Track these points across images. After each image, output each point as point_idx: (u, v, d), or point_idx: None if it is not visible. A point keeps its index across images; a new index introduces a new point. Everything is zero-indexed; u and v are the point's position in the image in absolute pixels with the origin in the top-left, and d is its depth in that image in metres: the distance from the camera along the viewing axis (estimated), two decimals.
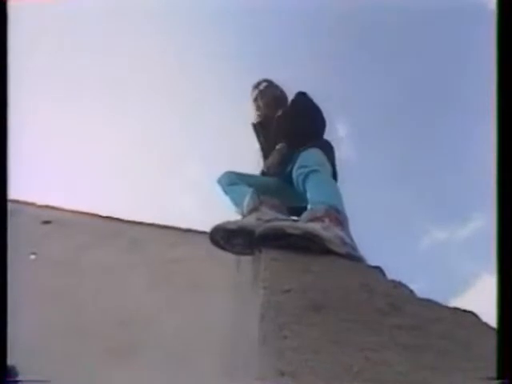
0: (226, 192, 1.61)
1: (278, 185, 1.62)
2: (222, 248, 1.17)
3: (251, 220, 1.16)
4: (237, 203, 1.54)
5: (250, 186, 1.55)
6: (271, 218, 1.15)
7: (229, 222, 1.15)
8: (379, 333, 0.57)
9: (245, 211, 1.31)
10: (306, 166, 1.40)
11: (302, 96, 1.79)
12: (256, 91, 1.91)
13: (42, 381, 1.06)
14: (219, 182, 1.65)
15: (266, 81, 1.93)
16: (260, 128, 1.87)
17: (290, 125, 1.71)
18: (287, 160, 1.59)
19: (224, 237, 1.13)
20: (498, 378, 0.50)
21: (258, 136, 1.87)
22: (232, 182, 1.61)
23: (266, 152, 1.79)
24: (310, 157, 1.49)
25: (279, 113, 1.80)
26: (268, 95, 1.88)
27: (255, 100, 1.90)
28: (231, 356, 1.25)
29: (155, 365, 1.46)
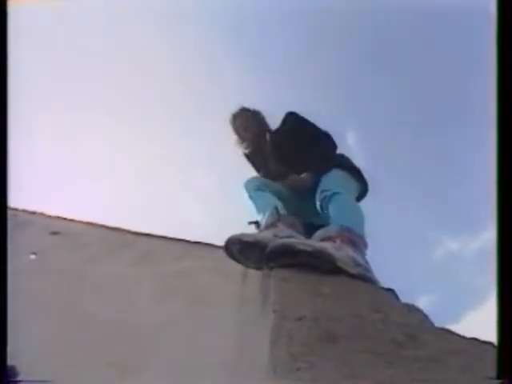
0: (251, 197, 1.62)
1: (299, 199, 1.63)
2: (236, 259, 1.15)
3: (268, 235, 1.15)
4: (260, 210, 1.54)
5: (275, 194, 1.56)
6: (287, 235, 1.14)
7: (245, 235, 1.13)
8: (395, 365, 0.55)
9: (262, 225, 1.30)
10: (328, 190, 1.42)
11: (292, 115, 1.79)
12: (235, 122, 1.91)
13: (42, 381, 1.06)
14: (246, 186, 1.67)
15: (242, 109, 1.93)
16: (253, 156, 1.89)
17: (287, 145, 1.73)
18: (312, 185, 1.59)
19: (239, 248, 1.11)
20: (497, 378, 0.49)
21: (254, 164, 1.89)
22: (258, 187, 1.63)
23: (266, 175, 1.79)
24: (331, 179, 1.52)
25: (268, 136, 1.82)
26: (248, 121, 1.88)
27: (237, 131, 1.90)
28: (239, 374, 1.22)
29: (159, 378, 1.44)
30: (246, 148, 1.90)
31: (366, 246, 1.08)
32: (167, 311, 1.62)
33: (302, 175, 1.68)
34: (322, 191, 1.44)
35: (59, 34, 4.46)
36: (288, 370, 0.53)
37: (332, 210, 1.32)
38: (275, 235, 1.14)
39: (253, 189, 1.61)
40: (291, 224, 1.26)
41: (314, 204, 1.47)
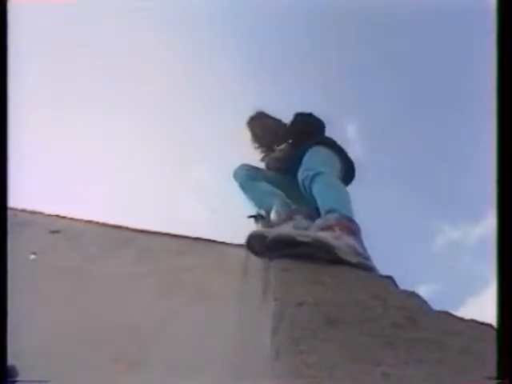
0: (243, 188, 1.58)
1: (288, 184, 1.59)
2: (258, 255, 1.12)
3: (289, 228, 1.13)
4: (258, 203, 1.51)
5: (270, 182, 1.53)
6: (306, 227, 1.12)
7: (267, 231, 1.11)
8: (396, 347, 0.56)
9: (275, 218, 1.29)
10: (310, 169, 1.39)
11: (300, 114, 1.79)
12: (252, 124, 1.89)
13: (42, 381, 1.06)
14: (235, 176, 1.62)
15: (259, 113, 1.93)
16: (271, 161, 1.83)
17: (290, 131, 1.73)
18: (291, 157, 1.58)
19: (261, 244, 1.07)
20: (497, 378, 0.49)
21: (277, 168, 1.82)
22: (250, 177, 1.59)
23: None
24: (314, 157, 1.48)
25: (280, 134, 1.81)
26: (265, 125, 1.87)
27: (254, 133, 1.88)
28: (242, 367, 1.23)
29: (162, 375, 1.45)
30: (260, 150, 1.88)
31: (359, 229, 1.07)
32: (169, 307, 1.62)
33: (280, 147, 1.66)
34: (305, 170, 1.40)
35: (59, 34, 4.46)
36: (291, 354, 0.54)
37: (316, 190, 1.29)
38: (296, 228, 1.12)
39: (245, 179, 1.57)
40: (308, 215, 1.24)
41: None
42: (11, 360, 0.78)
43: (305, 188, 1.38)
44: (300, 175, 1.42)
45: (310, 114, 1.73)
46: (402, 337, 0.58)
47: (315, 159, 1.47)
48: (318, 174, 1.34)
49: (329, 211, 1.13)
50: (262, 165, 1.86)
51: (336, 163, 1.52)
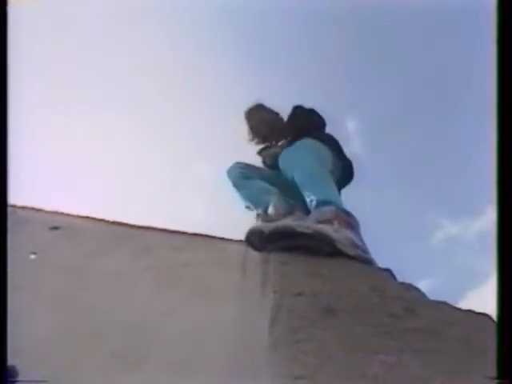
0: (237, 186, 1.56)
1: (283, 181, 1.54)
2: (258, 250, 1.11)
3: (289, 221, 1.11)
4: (253, 201, 1.49)
5: (263, 179, 1.52)
6: (307, 221, 1.11)
7: (266, 225, 1.09)
8: (394, 337, 0.56)
9: (273, 213, 1.28)
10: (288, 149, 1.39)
11: (298, 108, 1.77)
12: (250, 116, 1.87)
13: (42, 381, 1.06)
14: (229, 174, 1.60)
15: (258, 105, 1.90)
16: (267, 157, 1.81)
17: (290, 127, 1.72)
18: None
19: (261, 239, 1.05)
20: (497, 378, 0.49)
21: (265, 160, 1.82)
22: (244, 175, 1.57)
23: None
24: (296, 144, 1.46)
25: (279, 129, 1.79)
26: (263, 117, 1.84)
27: (251, 125, 1.85)
28: (241, 359, 1.23)
29: (162, 370, 1.45)
30: (257, 143, 1.86)
31: (357, 223, 1.07)
32: (168, 302, 1.63)
33: (279, 143, 1.66)
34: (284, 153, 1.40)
35: (60, 34, 4.46)
36: (289, 343, 0.55)
37: (282, 163, 1.29)
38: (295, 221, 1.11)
39: (239, 177, 1.56)
40: (307, 211, 1.21)
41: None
42: (11, 360, 0.78)
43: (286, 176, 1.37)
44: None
45: (311, 110, 1.72)
46: (399, 326, 0.59)
47: (297, 145, 1.45)
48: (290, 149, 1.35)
49: (323, 202, 1.12)
50: (259, 159, 1.85)
51: (323, 152, 1.48)
